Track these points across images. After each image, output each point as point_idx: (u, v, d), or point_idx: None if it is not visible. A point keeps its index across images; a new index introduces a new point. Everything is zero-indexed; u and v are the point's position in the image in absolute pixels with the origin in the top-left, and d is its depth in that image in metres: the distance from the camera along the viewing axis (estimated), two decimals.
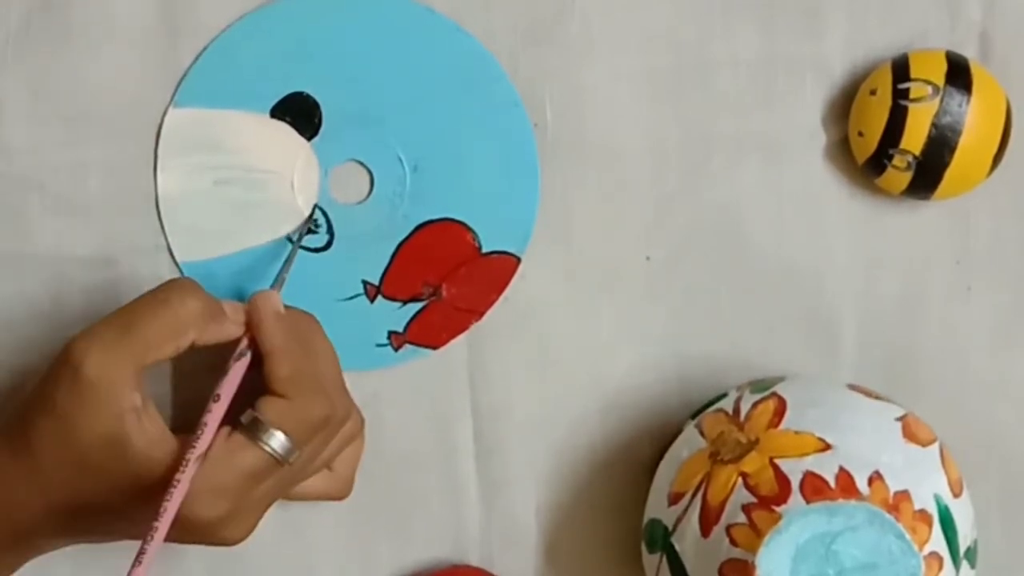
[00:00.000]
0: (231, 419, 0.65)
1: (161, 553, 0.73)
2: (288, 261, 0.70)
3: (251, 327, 0.66)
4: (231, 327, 0.66)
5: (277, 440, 0.64)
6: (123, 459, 0.63)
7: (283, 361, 0.65)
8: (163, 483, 0.63)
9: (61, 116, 0.72)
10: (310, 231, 0.72)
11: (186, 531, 0.64)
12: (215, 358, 0.67)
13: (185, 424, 0.66)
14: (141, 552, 0.62)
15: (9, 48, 0.71)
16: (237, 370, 0.66)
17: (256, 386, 0.66)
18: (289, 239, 0.72)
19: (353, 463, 0.71)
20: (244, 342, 0.66)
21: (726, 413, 0.69)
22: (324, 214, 0.73)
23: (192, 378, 0.72)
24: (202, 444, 0.64)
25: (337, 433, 0.68)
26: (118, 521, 0.65)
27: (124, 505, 0.64)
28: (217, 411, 0.65)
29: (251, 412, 0.64)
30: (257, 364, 0.66)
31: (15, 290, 0.72)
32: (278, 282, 0.69)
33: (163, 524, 0.62)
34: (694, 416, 0.72)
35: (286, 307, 0.68)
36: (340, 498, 0.71)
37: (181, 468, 0.63)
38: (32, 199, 0.72)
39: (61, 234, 0.72)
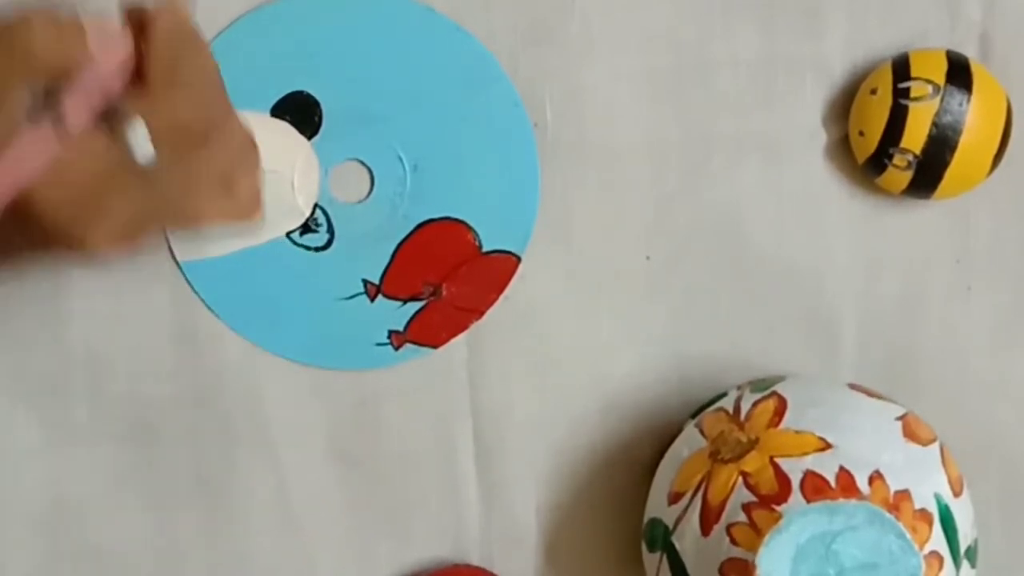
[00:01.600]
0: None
1: (160, 554, 0.73)
2: None
3: (142, 21, 0.61)
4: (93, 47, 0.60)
5: (133, 134, 0.61)
6: None
7: (163, 59, 0.61)
8: None
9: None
10: (309, 229, 0.72)
11: (40, 229, 0.61)
12: None
13: None
14: None
15: None
16: (107, 54, 0.61)
17: None
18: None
19: (253, 182, 0.67)
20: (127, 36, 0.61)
21: (726, 412, 0.69)
22: (324, 213, 0.73)
23: None
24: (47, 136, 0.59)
25: (215, 153, 0.64)
26: None
27: None
28: (77, 91, 0.60)
29: (115, 108, 0.61)
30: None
31: (15, 290, 0.72)
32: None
33: None
34: (694, 415, 0.72)
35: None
36: (249, 220, 0.67)
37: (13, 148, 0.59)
38: None
39: None
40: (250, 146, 0.67)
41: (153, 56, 0.61)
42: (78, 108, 0.60)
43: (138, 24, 0.61)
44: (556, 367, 0.75)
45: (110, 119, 0.61)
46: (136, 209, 0.62)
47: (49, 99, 0.60)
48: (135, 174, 0.62)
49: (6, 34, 0.60)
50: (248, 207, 0.67)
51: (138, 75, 0.61)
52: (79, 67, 0.60)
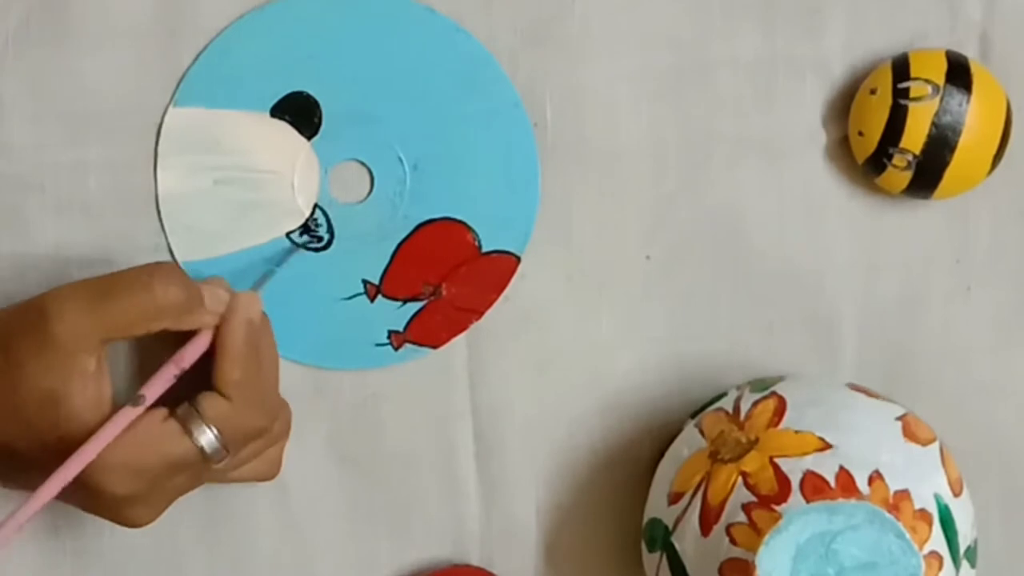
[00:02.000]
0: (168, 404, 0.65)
1: (160, 554, 0.73)
2: (270, 273, 0.71)
3: (221, 321, 0.66)
4: (206, 318, 0.66)
5: (208, 438, 0.65)
6: (55, 414, 0.63)
7: (236, 365, 0.66)
8: None
9: (61, 116, 0.72)
10: (309, 229, 0.73)
11: (91, 500, 0.65)
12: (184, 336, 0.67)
13: None
14: (27, 505, 0.62)
15: (9, 48, 0.71)
16: (191, 352, 0.66)
17: (196, 380, 0.66)
18: (291, 240, 0.72)
19: (282, 447, 0.71)
20: (209, 333, 0.66)
21: (726, 412, 0.69)
22: (324, 213, 0.73)
23: (156, 351, 0.71)
24: (127, 415, 0.64)
25: (267, 442, 0.68)
26: (39, 477, 0.64)
27: (47, 462, 0.63)
28: (155, 387, 0.65)
29: (188, 404, 0.65)
30: (207, 357, 0.66)
31: (15, 290, 0.72)
32: (260, 283, 0.70)
33: (53, 481, 0.62)
34: (694, 416, 0.72)
35: None
36: (268, 479, 0.71)
37: (95, 433, 0.63)
38: (32, 199, 0.72)
39: (61, 234, 0.72)
40: (287, 430, 0.71)
41: (233, 354, 0.66)
42: (157, 383, 0.65)
43: (223, 313, 0.67)
44: (556, 367, 0.75)
45: (184, 413, 0.65)
46: (186, 490, 0.67)
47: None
48: (196, 464, 0.65)
49: (134, 278, 0.65)
50: (270, 470, 0.71)
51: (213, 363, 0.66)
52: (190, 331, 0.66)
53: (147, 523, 0.67)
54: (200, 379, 0.66)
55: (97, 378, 0.64)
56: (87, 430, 0.63)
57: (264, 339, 0.68)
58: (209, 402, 0.65)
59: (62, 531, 0.73)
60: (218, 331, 0.66)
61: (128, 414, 0.64)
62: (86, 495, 0.64)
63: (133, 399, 0.64)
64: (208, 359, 0.66)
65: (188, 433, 0.64)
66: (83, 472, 0.63)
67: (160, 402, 0.65)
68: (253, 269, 0.72)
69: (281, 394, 0.71)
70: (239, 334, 0.66)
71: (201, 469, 0.66)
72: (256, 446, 0.68)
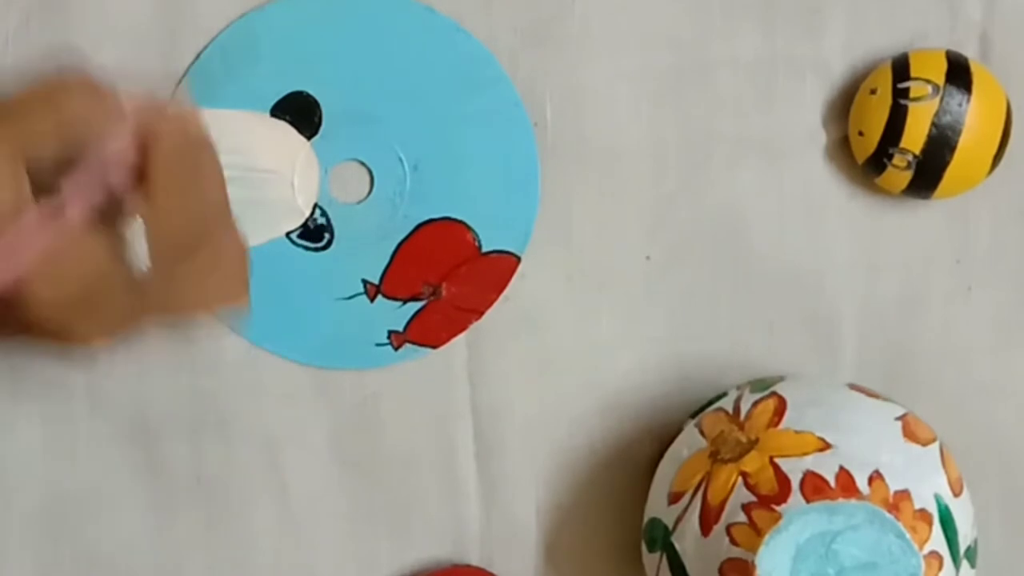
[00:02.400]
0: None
1: (160, 554, 0.73)
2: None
3: (154, 125, 0.62)
4: (127, 129, 0.61)
5: (132, 232, 0.61)
6: None
7: (165, 172, 0.61)
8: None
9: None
10: (309, 229, 0.73)
11: (29, 319, 0.60)
12: None
13: None
14: None
15: (9, 47, 0.71)
16: (124, 148, 0.61)
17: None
18: None
19: (243, 270, 0.67)
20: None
21: (726, 412, 0.69)
22: (324, 213, 0.73)
23: None
24: (47, 225, 0.59)
25: (202, 256, 0.63)
26: None
27: None
28: (80, 180, 0.60)
29: (118, 221, 0.61)
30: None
31: None
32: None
33: None
34: (694, 416, 0.72)
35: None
36: (237, 302, 0.66)
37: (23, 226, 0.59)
38: None
39: None
40: (242, 254, 0.66)
41: (160, 160, 0.61)
42: (80, 197, 0.60)
43: (149, 122, 0.62)
44: (556, 367, 0.75)
45: (109, 217, 0.61)
46: (126, 306, 0.62)
47: (52, 182, 0.60)
48: (128, 275, 0.61)
49: (41, 91, 0.61)
50: (236, 289, 0.66)
51: (140, 176, 0.61)
52: (99, 140, 0.60)
53: (93, 341, 0.62)
54: None
55: (12, 185, 0.58)
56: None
57: (203, 156, 0.63)
58: (132, 202, 0.60)
59: (62, 531, 0.73)
60: (146, 130, 0.61)
61: (45, 222, 0.58)
62: (23, 315, 0.60)
63: (54, 207, 0.59)
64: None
65: (108, 231, 0.60)
66: (14, 286, 0.59)
67: None
68: (253, 269, 0.72)
69: (277, 393, 0.71)
70: (173, 125, 0.61)
71: (135, 282, 0.61)
72: (194, 265, 0.63)
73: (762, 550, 0.63)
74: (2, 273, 0.59)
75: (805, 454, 0.65)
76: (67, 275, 0.60)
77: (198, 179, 0.63)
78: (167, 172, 0.61)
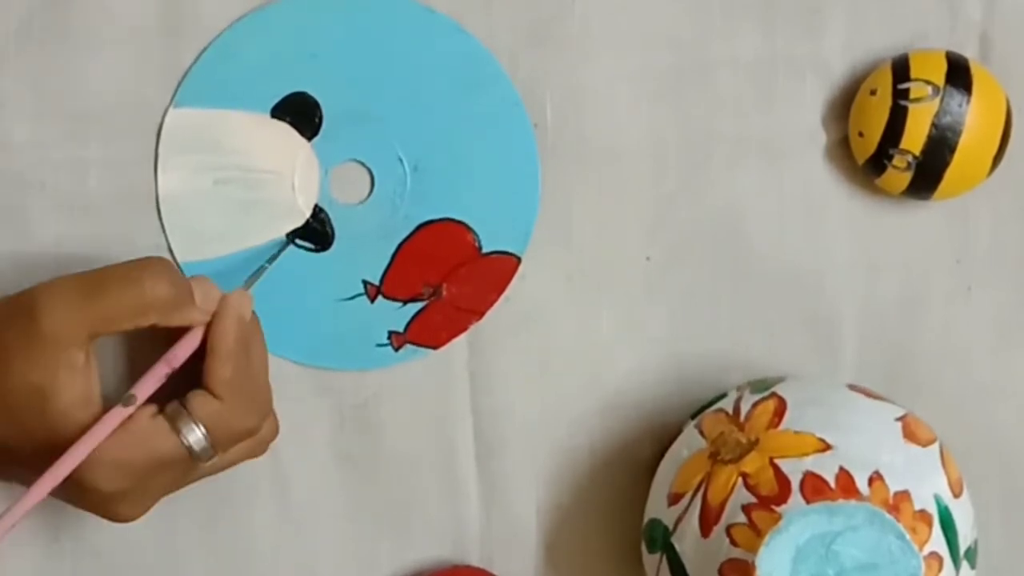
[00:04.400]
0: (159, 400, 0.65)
1: (160, 554, 0.73)
2: (261, 270, 0.70)
3: (213, 318, 0.66)
4: (196, 315, 0.66)
5: (196, 437, 0.65)
6: (43, 410, 0.63)
7: (227, 363, 0.65)
8: None
9: (62, 115, 0.72)
10: (309, 229, 0.73)
11: (79, 495, 0.65)
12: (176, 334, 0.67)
13: None
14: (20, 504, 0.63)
15: (10, 47, 0.71)
16: (182, 351, 0.66)
17: (186, 379, 0.66)
18: (287, 237, 0.72)
19: (272, 432, 0.70)
20: (200, 331, 0.66)
21: (726, 413, 0.69)
22: (324, 213, 0.73)
23: (147, 350, 0.71)
24: (117, 416, 0.64)
25: (255, 441, 0.68)
26: (28, 472, 0.64)
27: (35, 458, 0.64)
28: (146, 387, 0.65)
29: (178, 402, 0.65)
30: (198, 356, 0.66)
31: (15, 288, 0.72)
32: (252, 280, 0.70)
33: (45, 481, 0.62)
34: (694, 416, 0.72)
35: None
36: (255, 457, 0.70)
37: (87, 433, 0.63)
38: (32, 198, 0.72)
39: (61, 234, 0.72)
40: (275, 422, 0.70)
41: (218, 361, 0.65)
42: (148, 391, 0.65)
43: (215, 311, 0.67)
44: (556, 367, 0.75)
45: (173, 412, 0.65)
46: (173, 488, 0.67)
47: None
48: (184, 463, 0.65)
49: (123, 272, 0.65)
50: (259, 449, 0.70)
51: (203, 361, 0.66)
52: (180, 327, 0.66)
53: (133, 519, 0.67)
54: (190, 378, 0.66)
55: (85, 373, 0.64)
56: (75, 426, 0.63)
57: (254, 337, 0.68)
58: (199, 400, 0.65)
59: (62, 531, 0.73)
60: (209, 329, 0.66)
61: (119, 413, 0.64)
62: (74, 491, 0.64)
63: (124, 398, 0.64)
64: (198, 358, 0.66)
65: (177, 432, 0.64)
66: (77, 470, 0.63)
67: (150, 401, 0.65)
68: (253, 269, 0.72)
69: (278, 393, 0.71)
70: (230, 332, 0.66)
71: (189, 467, 0.66)
72: (244, 445, 0.68)
73: (762, 551, 0.63)
74: (68, 467, 0.63)
75: (805, 455, 0.65)
76: (128, 469, 0.64)
77: (252, 362, 0.67)
78: (231, 364, 0.65)
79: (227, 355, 0.65)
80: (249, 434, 0.67)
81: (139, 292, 0.64)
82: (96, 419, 0.63)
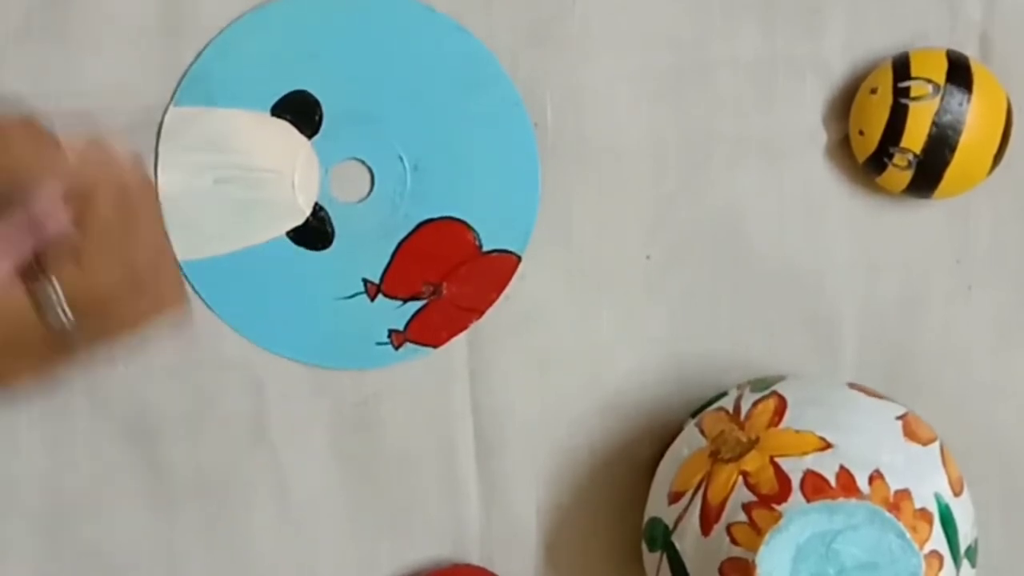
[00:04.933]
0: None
1: (160, 554, 0.73)
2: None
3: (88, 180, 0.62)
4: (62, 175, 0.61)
5: (55, 295, 0.60)
6: None
7: (99, 231, 0.61)
8: None
9: (62, 115, 0.72)
10: (309, 229, 0.73)
11: None
12: None
13: None
14: None
15: (10, 46, 0.71)
16: (57, 206, 0.61)
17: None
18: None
19: (172, 275, 0.67)
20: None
21: (726, 412, 0.69)
22: (324, 213, 0.73)
23: None
24: None
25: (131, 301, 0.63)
26: None
27: None
28: (8, 234, 0.60)
29: (44, 278, 0.61)
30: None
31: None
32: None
33: None
34: (694, 415, 0.72)
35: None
36: (173, 311, 0.66)
37: None
38: None
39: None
40: (175, 294, 0.66)
41: (93, 220, 0.61)
42: (6, 252, 0.60)
43: (88, 173, 0.62)
44: (556, 367, 0.75)
45: (31, 273, 0.61)
46: (50, 352, 0.62)
47: None
48: (50, 329, 0.61)
49: None
50: (171, 297, 0.66)
51: (76, 225, 0.61)
52: (31, 192, 0.60)
53: (17, 384, 0.63)
54: None
55: None
56: None
57: (141, 208, 0.63)
58: (57, 260, 0.60)
59: (62, 531, 0.73)
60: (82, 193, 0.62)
61: None
62: None
63: None
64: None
65: (30, 287, 0.60)
66: None
67: None
68: (254, 268, 0.72)
69: (278, 393, 0.71)
70: (102, 199, 0.61)
71: (56, 331, 0.61)
72: (121, 311, 0.63)
73: (762, 550, 0.63)
74: None
75: (805, 453, 0.65)
76: None
77: (132, 234, 0.63)
78: (99, 233, 0.61)
79: (96, 220, 0.61)
80: (120, 296, 0.62)
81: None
82: None
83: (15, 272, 0.60)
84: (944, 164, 0.71)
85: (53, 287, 0.61)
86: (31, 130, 0.62)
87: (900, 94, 0.72)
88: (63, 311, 0.61)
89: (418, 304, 0.73)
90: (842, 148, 0.75)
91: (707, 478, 0.67)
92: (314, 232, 0.73)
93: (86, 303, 0.61)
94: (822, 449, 0.65)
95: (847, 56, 0.75)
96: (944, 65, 0.72)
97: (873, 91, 0.72)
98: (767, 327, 0.75)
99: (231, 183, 0.72)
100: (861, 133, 0.73)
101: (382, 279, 0.73)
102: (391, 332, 0.73)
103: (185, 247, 0.72)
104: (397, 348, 0.73)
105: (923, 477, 0.66)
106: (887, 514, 0.63)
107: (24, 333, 0.61)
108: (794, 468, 0.65)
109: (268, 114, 0.72)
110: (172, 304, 0.66)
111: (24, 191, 0.61)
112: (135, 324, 0.64)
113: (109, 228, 0.62)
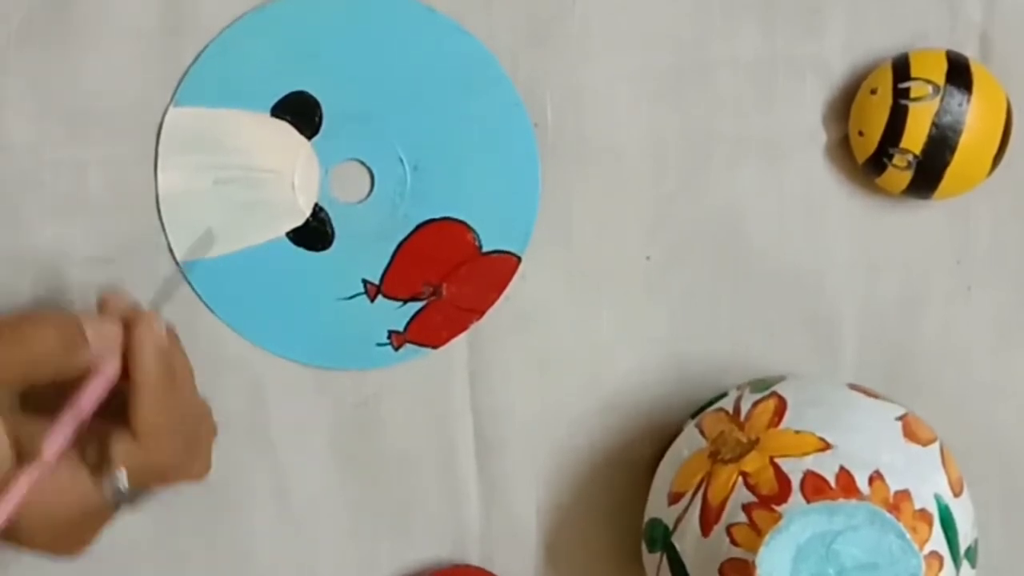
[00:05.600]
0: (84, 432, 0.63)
1: (160, 554, 0.73)
2: (167, 290, 0.67)
3: (128, 355, 0.63)
4: (91, 358, 0.62)
5: (120, 482, 0.62)
6: None
7: (154, 405, 0.62)
8: None
9: (62, 115, 0.72)
10: (309, 229, 0.73)
11: (18, 548, 0.63)
12: None
13: None
14: None
15: (11, 46, 0.71)
16: (88, 398, 0.62)
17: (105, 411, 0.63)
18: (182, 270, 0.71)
19: (210, 445, 0.68)
20: (113, 365, 0.63)
21: (726, 412, 0.69)
22: (324, 213, 0.73)
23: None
24: (27, 478, 0.61)
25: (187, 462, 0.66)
26: None
27: None
28: (55, 443, 0.62)
29: (101, 447, 0.62)
30: (112, 391, 0.63)
31: (14, 289, 0.72)
32: (161, 299, 0.66)
33: None
34: (694, 415, 0.72)
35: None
36: (198, 479, 0.68)
37: (11, 483, 0.60)
38: (32, 197, 0.72)
39: (61, 233, 0.72)
40: (211, 426, 0.68)
41: (142, 396, 0.62)
42: (58, 441, 0.61)
43: (127, 348, 0.63)
44: (556, 367, 0.75)
45: (96, 461, 0.62)
46: (107, 518, 0.64)
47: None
48: (109, 498, 0.63)
49: (6, 327, 0.61)
50: (201, 472, 0.68)
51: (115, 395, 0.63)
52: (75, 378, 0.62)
53: (79, 554, 0.64)
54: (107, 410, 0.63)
55: None
56: None
57: (175, 357, 0.64)
58: (123, 447, 0.62)
59: None
60: (128, 365, 0.62)
61: (29, 476, 0.60)
62: (12, 546, 0.63)
63: (38, 460, 0.61)
64: (111, 394, 0.63)
65: (100, 481, 0.62)
66: (9, 529, 0.61)
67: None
68: (253, 268, 0.72)
69: (278, 393, 0.71)
70: (151, 366, 0.62)
71: (112, 500, 0.63)
72: (170, 479, 0.65)
73: (762, 550, 0.63)
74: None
75: (805, 454, 0.65)
76: (51, 514, 0.61)
77: (176, 384, 0.64)
78: (158, 403, 0.62)
79: (152, 393, 0.62)
80: (175, 470, 0.64)
81: (22, 346, 0.61)
82: (10, 469, 0.60)
83: (78, 458, 0.62)
84: (944, 165, 0.71)
85: (114, 466, 0.62)
86: (56, 319, 0.62)
87: (900, 95, 0.71)
88: (123, 487, 0.63)
89: (418, 305, 0.73)
90: (842, 148, 0.75)
91: (707, 479, 0.67)
92: (314, 233, 0.73)
93: (145, 475, 0.63)
94: (822, 450, 0.65)
95: (847, 56, 0.75)
96: (944, 66, 0.72)
97: (873, 92, 0.72)
98: (767, 327, 0.75)
99: (231, 183, 0.72)
100: (861, 134, 0.73)
101: (382, 280, 0.73)
102: (391, 333, 0.73)
103: (185, 247, 0.72)
104: (397, 349, 0.73)
105: (923, 478, 0.66)
106: (887, 515, 0.63)
107: (85, 511, 0.63)
108: (794, 469, 0.65)
109: (268, 114, 0.72)
110: (207, 463, 0.68)
111: (64, 379, 0.62)
112: (179, 480, 0.66)
113: (164, 393, 0.63)
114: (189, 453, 0.65)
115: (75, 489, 0.62)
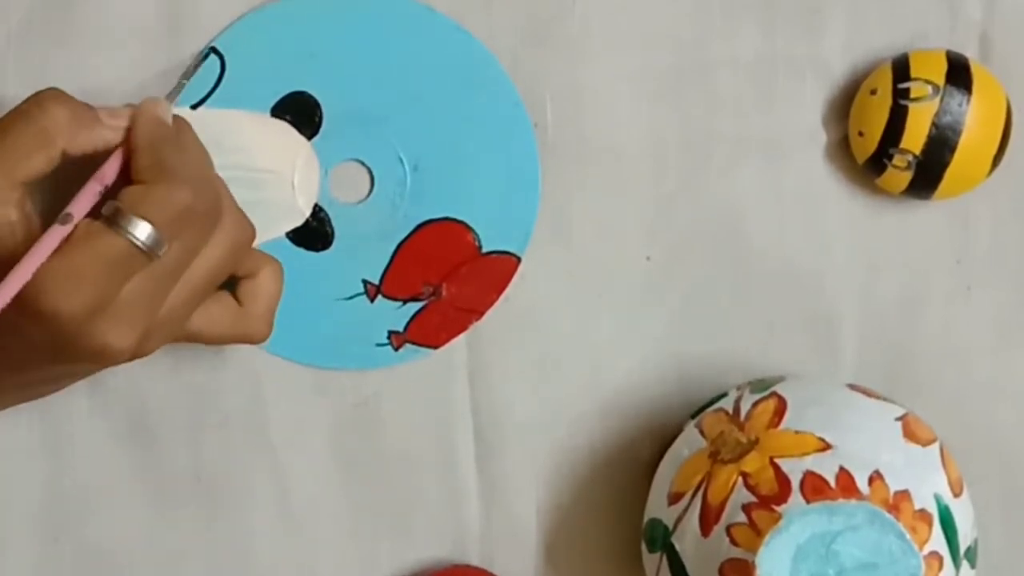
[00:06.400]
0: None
1: (160, 554, 0.73)
2: (180, 86, 0.69)
3: (129, 127, 0.65)
4: (107, 132, 0.64)
5: (139, 227, 0.60)
6: None
7: (145, 153, 0.63)
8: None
9: None
10: (309, 229, 0.73)
11: (52, 338, 0.60)
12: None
13: None
14: None
15: (11, 46, 0.71)
16: (111, 167, 0.64)
17: None
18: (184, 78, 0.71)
19: (266, 299, 0.68)
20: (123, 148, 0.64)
21: (726, 413, 0.69)
22: (324, 213, 0.73)
23: None
24: (56, 235, 0.60)
25: (211, 231, 0.64)
26: None
27: None
28: (81, 204, 0.62)
29: (112, 202, 0.61)
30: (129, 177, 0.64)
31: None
32: (173, 94, 0.68)
33: None
34: (694, 416, 0.72)
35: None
36: (258, 340, 0.68)
37: (27, 254, 0.60)
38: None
39: None
40: (250, 237, 0.67)
41: (137, 154, 0.63)
42: (81, 201, 0.62)
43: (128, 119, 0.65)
44: (556, 367, 0.75)
45: (107, 211, 0.61)
46: (153, 304, 0.62)
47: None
48: (140, 259, 0.61)
49: (23, 116, 0.63)
50: (257, 325, 0.67)
51: (125, 170, 0.64)
52: (91, 152, 0.64)
53: (127, 346, 0.62)
54: None
55: (25, 224, 0.62)
56: (14, 249, 0.61)
57: (184, 135, 0.66)
58: (126, 192, 0.61)
59: (62, 531, 0.73)
60: (127, 135, 0.64)
61: (57, 232, 0.60)
62: (44, 334, 0.60)
63: (60, 217, 0.61)
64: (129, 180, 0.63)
65: (116, 228, 0.60)
66: (28, 300, 0.59)
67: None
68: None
69: (277, 393, 0.71)
70: (145, 128, 0.64)
71: (150, 268, 0.61)
72: (196, 230, 0.63)
73: (762, 550, 0.63)
74: (15, 287, 0.59)
75: (805, 454, 0.65)
76: (80, 278, 0.60)
77: (185, 155, 0.65)
78: (149, 153, 0.63)
79: (146, 147, 0.63)
80: (190, 211, 0.62)
81: (36, 121, 0.62)
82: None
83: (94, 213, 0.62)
84: (944, 165, 0.71)
85: (123, 207, 0.61)
86: (60, 97, 0.64)
87: (900, 95, 0.71)
88: (143, 224, 0.61)
89: (418, 305, 0.73)
90: (842, 148, 0.75)
91: (707, 479, 0.67)
92: (314, 233, 0.73)
93: (166, 215, 0.61)
94: (822, 450, 0.65)
95: (847, 56, 0.75)
96: (944, 66, 0.72)
97: (873, 92, 0.72)
98: (767, 327, 0.75)
99: (231, 183, 0.71)
100: (861, 134, 0.73)
101: (382, 280, 0.73)
102: (391, 333, 0.73)
103: None
104: (397, 349, 0.73)
105: (923, 478, 0.66)
106: (887, 515, 0.63)
107: (116, 275, 0.61)
108: (794, 469, 0.65)
109: (268, 114, 0.72)
110: (263, 319, 0.68)
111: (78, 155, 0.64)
112: (229, 312, 0.67)
113: (161, 151, 0.64)
114: (203, 204, 0.63)
115: (94, 238, 0.60)
